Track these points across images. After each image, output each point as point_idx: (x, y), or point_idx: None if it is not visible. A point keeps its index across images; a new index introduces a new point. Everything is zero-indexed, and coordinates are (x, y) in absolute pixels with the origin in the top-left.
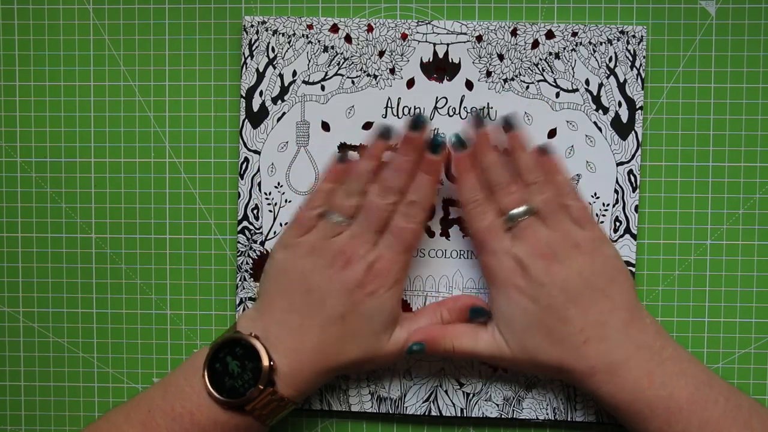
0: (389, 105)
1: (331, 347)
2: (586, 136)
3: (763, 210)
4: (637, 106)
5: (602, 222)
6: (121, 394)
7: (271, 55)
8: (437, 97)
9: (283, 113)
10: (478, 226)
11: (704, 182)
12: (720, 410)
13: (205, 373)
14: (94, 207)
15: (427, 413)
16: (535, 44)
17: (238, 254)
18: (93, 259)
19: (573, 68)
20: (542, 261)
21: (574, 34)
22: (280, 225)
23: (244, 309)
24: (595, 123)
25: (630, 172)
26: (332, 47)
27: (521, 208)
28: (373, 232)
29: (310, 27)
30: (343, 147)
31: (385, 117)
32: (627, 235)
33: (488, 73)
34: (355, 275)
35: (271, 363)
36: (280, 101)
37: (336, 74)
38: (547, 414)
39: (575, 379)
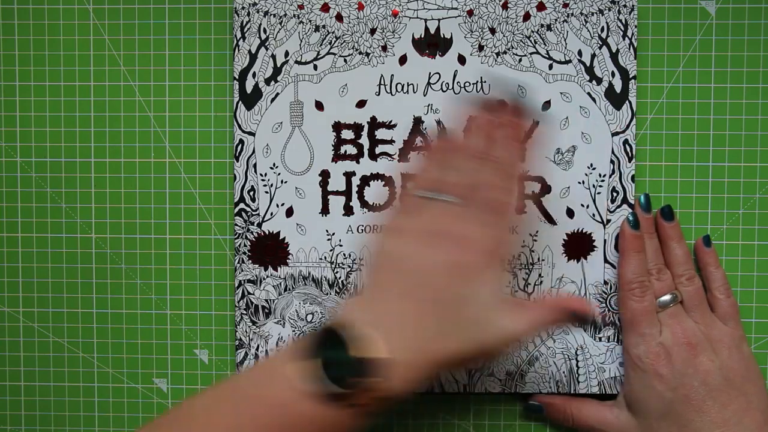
0: (382, 82)
1: (448, 336)
2: (581, 107)
3: (763, 210)
4: (631, 76)
5: (599, 193)
6: (121, 394)
7: (263, 37)
8: (430, 73)
9: (277, 94)
10: (637, 307)
11: (704, 182)
12: None
13: (310, 362)
14: (94, 207)
15: (429, 391)
16: (527, 17)
17: (236, 237)
18: (93, 259)
19: (565, 39)
20: (687, 351)
21: (565, 5)
22: (277, 206)
23: (243, 292)
24: (589, 94)
25: (625, 141)
26: (323, 26)
27: (668, 296)
28: (486, 213)
29: (300, 7)
30: (338, 126)
31: (378, 95)
32: (624, 205)
33: (480, 47)
34: (470, 258)
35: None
36: (273, 82)
37: (328, 53)
38: (550, 387)
39: None
